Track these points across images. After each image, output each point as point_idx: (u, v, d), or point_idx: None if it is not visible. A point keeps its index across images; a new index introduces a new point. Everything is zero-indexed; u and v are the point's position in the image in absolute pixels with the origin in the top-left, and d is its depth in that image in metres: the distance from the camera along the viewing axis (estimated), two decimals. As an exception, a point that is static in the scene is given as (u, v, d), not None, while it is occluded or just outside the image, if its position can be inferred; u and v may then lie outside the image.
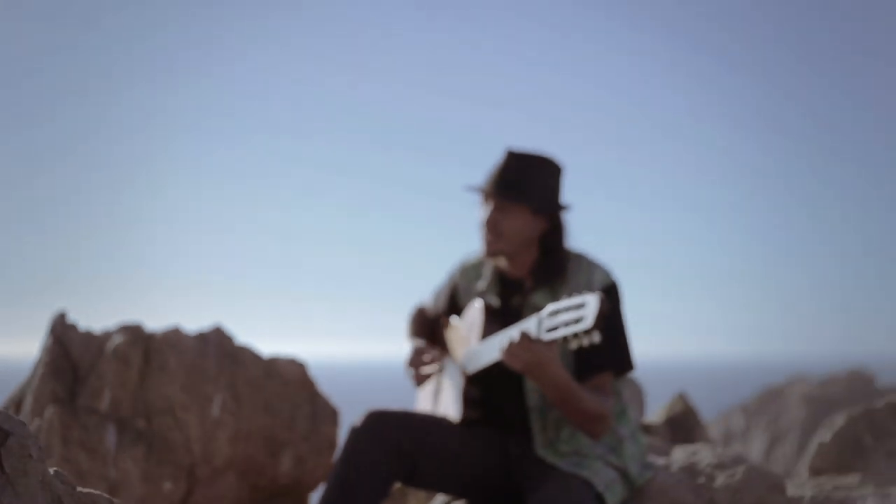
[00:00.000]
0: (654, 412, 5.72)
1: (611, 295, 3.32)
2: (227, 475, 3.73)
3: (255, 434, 3.77)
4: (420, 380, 3.51)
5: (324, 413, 3.92)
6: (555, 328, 2.88)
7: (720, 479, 3.61)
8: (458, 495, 3.53)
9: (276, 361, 3.92)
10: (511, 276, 3.47)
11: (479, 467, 3.40)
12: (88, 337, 3.77)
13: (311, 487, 3.83)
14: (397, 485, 3.84)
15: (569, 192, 3.43)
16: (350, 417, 3.41)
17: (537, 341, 2.95)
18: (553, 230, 3.41)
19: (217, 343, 3.83)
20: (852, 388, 21.92)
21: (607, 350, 3.22)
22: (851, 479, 4.67)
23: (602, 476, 3.26)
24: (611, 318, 3.27)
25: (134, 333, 3.79)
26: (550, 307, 2.93)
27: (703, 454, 3.82)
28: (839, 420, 5.08)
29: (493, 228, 3.35)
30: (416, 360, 3.52)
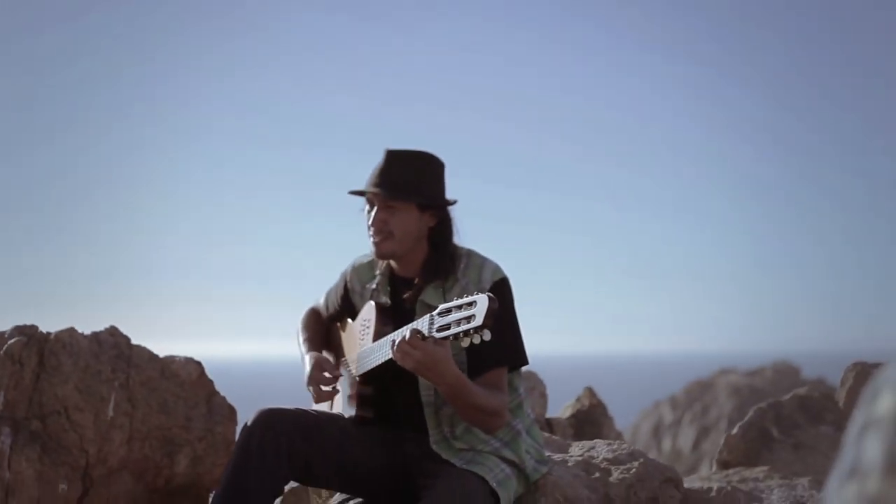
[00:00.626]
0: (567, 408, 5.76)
1: (502, 290, 3.34)
2: (122, 476, 3.69)
3: (150, 434, 3.73)
4: (321, 398, 3.49)
5: (221, 412, 3.89)
6: (446, 326, 2.90)
7: (616, 474, 3.65)
8: (353, 493, 3.52)
9: (171, 361, 3.89)
10: (402, 275, 3.48)
11: (373, 465, 3.40)
12: (-19, 338, 3.71)
13: (209, 487, 3.80)
14: (293, 484, 3.82)
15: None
16: (249, 417, 3.38)
17: (429, 339, 2.96)
18: (441, 226, 3.42)
19: (112, 344, 3.79)
20: (779, 379, 22.26)
21: (499, 345, 3.24)
22: (758, 471, 4.74)
23: (496, 472, 3.28)
24: (502, 313, 3.29)
25: (28, 334, 3.74)
26: (442, 306, 2.95)
27: (599, 449, 3.85)
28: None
29: (382, 229, 3.36)
30: (316, 377, 3.50)
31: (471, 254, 3.44)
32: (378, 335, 3.35)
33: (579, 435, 5.20)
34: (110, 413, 3.67)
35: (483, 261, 3.40)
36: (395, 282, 3.50)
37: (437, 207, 3.41)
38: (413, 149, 3.41)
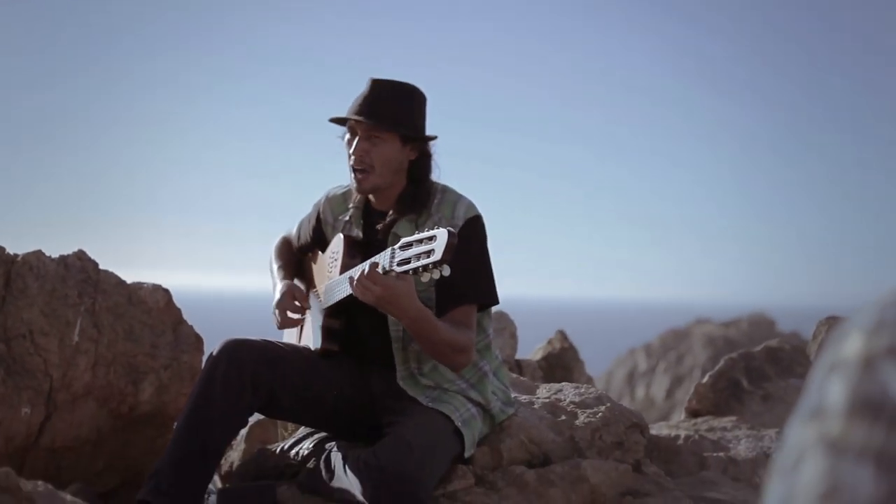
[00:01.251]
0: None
1: (475, 227, 3.30)
2: (86, 402, 3.65)
3: (116, 361, 3.69)
4: (284, 324, 3.44)
5: (187, 341, 3.85)
6: (406, 261, 2.86)
7: (582, 417, 3.64)
8: (318, 427, 3.51)
9: (139, 288, 3.83)
10: (377, 208, 3.43)
11: (338, 399, 3.38)
12: (-53, 258, 3.65)
13: (173, 415, 3.77)
14: (259, 416, 3.81)
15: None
16: (214, 347, 3.35)
17: (389, 273, 2.92)
18: (421, 160, 3.37)
19: (79, 268, 3.73)
20: (754, 331, 22.42)
21: (468, 282, 3.21)
22: (727, 421, 4.76)
23: (461, 411, 3.27)
24: (474, 251, 3.26)
25: (-6, 255, 3.68)
26: (403, 240, 2.91)
27: (566, 392, 3.85)
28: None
29: (364, 160, 3.30)
30: (285, 304, 3.45)
31: (446, 189, 3.39)
32: (345, 268, 3.32)
33: (549, 378, 5.20)
34: (76, 338, 3.62)
35: (458, 197, 3.36)
36: (369, 214, 3.46)
37: (419, 140, 3.36)
38: (397, 80, 3.35)
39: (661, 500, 3.40)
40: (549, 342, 5.56)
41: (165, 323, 3.84)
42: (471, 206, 3.34)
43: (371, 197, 3.43)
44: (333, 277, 3.37)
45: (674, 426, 4.92)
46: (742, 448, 4.21)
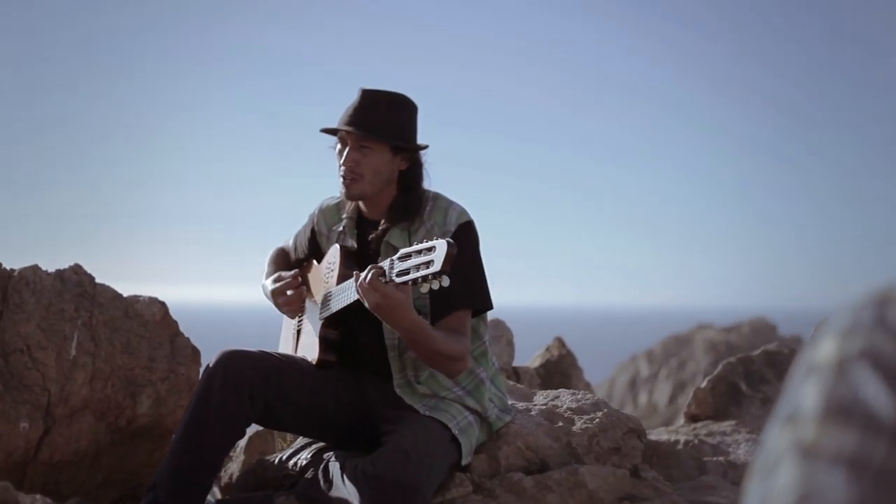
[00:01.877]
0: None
1: (467, 233, 3.31)
2: (84, 415, 3.66)
3: (113, 374, 3.70)
4: (290, 304, 3.51)
5: (184, 353, 3.85)
6: (405, 271, 2.87)
7: (579, 424, 3.65)
8: (315, 437, 3.52)
9: (135, 301, 3.84)
10: (369, 218, 3.45)
11: (335, 410, 3.39)
12: (-57, 274, 3.66)
13: (171, 428, 3.77)
14: (259, 427, 3.81)
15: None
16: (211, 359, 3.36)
17: (389, 283, 2.93)
18: (412, 170, 3.38)
19: (76, 282, 3.74)
20: (755, 336, 22.38)
21: (462, 289, 3.21)
22: (726, 425, 4.76)
23: (458, 419, 3.28)
24: (466, 257, 3.26)
25: (-9, 270, 3.69)
26: (402, 251, 2.92)
27: (563, 398, 3.85)
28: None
29: (354, 169, 3.31)
30: (281, 287, 3.52)
31: (437, 196, 3.40)
32: (342, 278, 3.33)
33: (547, 385, 5.20)
34: (73, 352, 3.63)
35: (449, 204, 3.37)
36: (362, 224, 3.47)
37: (409, 150, 3.37)
38: (387, 90, 3.36)
39: (659, 504, 3.41)
40: (548, 349, 5.56)
41: (162, 335, 3.84)
42: (462, 212, 3.35)
43: (363, 207, 3.44)
44: (330, 288, 3.39)
45: (673, 431, 4.92)
46: (742, 452, 4.22)
